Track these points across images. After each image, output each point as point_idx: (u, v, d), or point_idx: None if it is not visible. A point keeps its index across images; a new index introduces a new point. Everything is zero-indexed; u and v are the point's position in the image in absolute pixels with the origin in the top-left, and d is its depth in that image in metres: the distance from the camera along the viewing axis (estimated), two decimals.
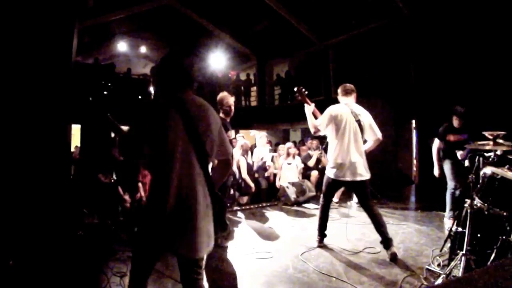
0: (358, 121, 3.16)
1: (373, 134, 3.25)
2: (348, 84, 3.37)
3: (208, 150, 1.59)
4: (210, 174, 1.63)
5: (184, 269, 1.62)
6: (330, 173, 3.22)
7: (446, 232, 3.16)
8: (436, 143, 4.28)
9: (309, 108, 3.34)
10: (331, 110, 3.20)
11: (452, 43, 5.82)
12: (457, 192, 4.12)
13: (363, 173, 3.11)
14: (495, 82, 5.15)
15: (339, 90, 3.38)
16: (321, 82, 9.60)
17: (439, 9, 6.07)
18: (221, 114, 3.57)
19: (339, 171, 3.12)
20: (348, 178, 3.10)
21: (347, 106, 3.23)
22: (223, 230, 2.54)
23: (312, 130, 3.30)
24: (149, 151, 1.60)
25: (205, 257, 1.63)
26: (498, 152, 2.66)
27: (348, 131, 3.11)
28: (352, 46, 8.69)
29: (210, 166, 1.73)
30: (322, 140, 6.08)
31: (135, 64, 13.76)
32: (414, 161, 7.65)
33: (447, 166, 4.19)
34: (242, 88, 11.99)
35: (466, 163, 3.95)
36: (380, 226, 3.04)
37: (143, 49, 14.21)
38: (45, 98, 3.43)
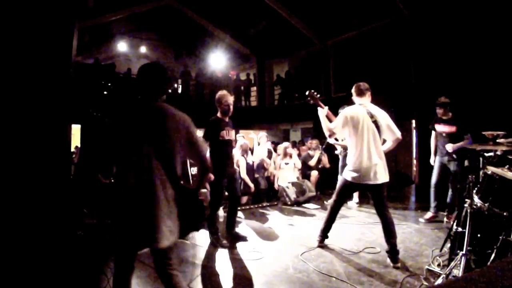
0: (375, 122, 3.06)
1: (392, 134, 3.15)
2: (362, 83, 3.24)
3: (168, 149, 1.74)
4: (177, 171, 1.78)
5: (156, 263, 1.79)
6: (348, 175, 3.12)
7: (446, 232, 3.16)
8: (432, 134, 4.55)
9: (323, 112, 3.29)
10: (347, 112, 3.11)
11: (452, 43, 5.82)
12: (450, 194, 4.28)
13: (383, 176, 3.01)
14: (495, 82, 5.15)
15: (353, 90, 3.27)
16: (321, 82, 9.60)
17: (439, 9, 6.07)
18: (218, 114, 3.59)
19: (359, 174, 3.03)
20: (369, 181, 3.00)
21: (362, 106, 3.13)
22: (194, 229, 2.67)
23: (326, 133, 3.22)
24: (115, 155, 1.78)
25: (172, 251, 1.78)
26: (498, 152, 2.65)
27: (366, 132, 3.01)
28: (352, 46, 8.70)
29: (178, 163, 1.81)
30: (322, 140, 6.09)
31: (135, 64, 13.76)
32: (414, 161, 7.65)
33: (434, 161, 4.42)
34: (242, 88, 11.98)
35: (466, 163, 3.97)
36: (390, 237, 2.95)
37: (143, 49, 14.22)
38: (45, 98, 3.43)
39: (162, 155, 1.72)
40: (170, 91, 10.71)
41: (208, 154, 2.55)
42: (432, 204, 4.35)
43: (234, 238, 3.62)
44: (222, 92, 3.56)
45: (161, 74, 1.88)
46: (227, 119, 3.60)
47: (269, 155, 6.36)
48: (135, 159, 1.69)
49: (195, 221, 2.24)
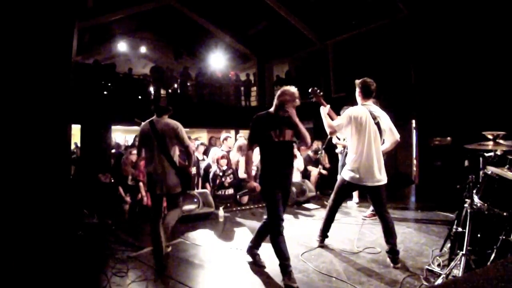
0: (377, 124, 3.06)
1: (392, 136, 3.16)
2: (370, 81, 3.14)
3: (166, 145, 3.15)
4: (175, 158, 3.21)
5: (169, 202, 3.31)
6: (346, 175, 3.12)
7: (446, 232, 3.16)
8: None
9: (325, 110, 3.27)
10: (351, 111, 3.09)
11: (452, 43, 5.82)
12: None
13: (381, 178, 3.02)
14: (495, 82, 5.15)
15: (358, 88, 3.23)
16: (321, 82, 9.60)
17: (439, 9, 6.07)
18: (271, 109, 2.87)
19: (357, 174, 3.03)
20: (367, 183, 3.01)
21: (365, 107, 3.12)
22: (187, 188, 3.39)
23: (328, 130, 3.21)
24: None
25: (178, 198, 3.29)
26: (498, 152, 2.65)
27: (368, 133, 3.01)
28: (352, 46, 8.69)
29: (174, 153, 3.23)
30: (323, 140, 6.08)
31: (135, 64, 13.76)
32: (414, 161, 7.65)
33: None
34: (242, 88, 11.97)
35: (466, 163, 3.96)
36: (390, 237, 2.94)
37: (143, 49, 14.20)
38: (45, 98, 3.43)
39: (162, 149, 3.15)
40: (170, 91, 10.72)
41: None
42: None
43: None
44: (282, 88, 2.94)
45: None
46: (283, 115, 2.77)
47: None
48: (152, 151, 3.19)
49: (185, 184, 3.26)
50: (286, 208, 2.93)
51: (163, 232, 3.06)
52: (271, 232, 2.77)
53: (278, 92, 2.85)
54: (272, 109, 2.83)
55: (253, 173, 3.69)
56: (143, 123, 3.32)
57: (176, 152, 3.27)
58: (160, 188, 3.12)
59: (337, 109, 4.00)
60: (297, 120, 2.75)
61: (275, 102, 2.83)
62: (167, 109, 3.26)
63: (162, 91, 10.55)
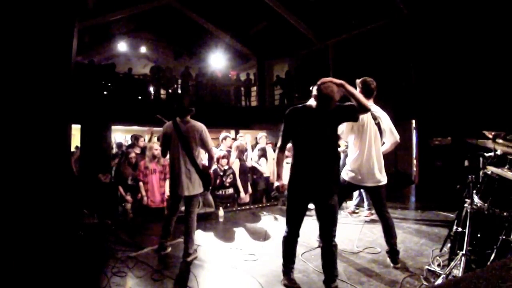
0: (378, 124, 3.05)
1: (392, 137, 3.17)
2: (370, 80, 3.08)
3: (190, 147, 3.16)
4: (198, 160, 3.23)
5: (188, 203, 3.25)
6: (346, 175, 3.12)
7: (446, 232, 3.16)
8: None
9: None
10: None
11: (452, 43, 5.83)
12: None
13: (381, 178, 3.01)
14: (495, 81, 5.15)
15: (359, 88, 3.14)
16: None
17: (439, 9, 6.07)
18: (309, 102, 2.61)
19: (357, 175, 3.03)
20: (367, 183, 3.01)
21: None
22: (207, 189, 3.38)
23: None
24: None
25: (197, 199, 3.34)
26: (498, 152, 2.65)
27: (368, 134, 3.00)
28: (352, 46, 8.69)
29: (198, 155, 3.26)
30: None
31: (135, 64, 13.76)
32: (414, 161, 7.65)
33: None
34: (242, 88, 11.97)
35: (466, 163, 3.96)
36: (390, 237, 2.94)
37: (143, 49, 14.21)
38: (45, 98, 3.43)
39: (187, 150, 3.17)
40: (170, 91, 10.73)
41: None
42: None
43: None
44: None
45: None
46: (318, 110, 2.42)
47: (264, 155, 6.16)
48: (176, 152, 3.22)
49: (206, 185, 3.31)
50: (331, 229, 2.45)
51: (185, 235, 3.17)
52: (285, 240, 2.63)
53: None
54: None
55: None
56: (167, 123, 3.34)
57: (199, 153, 3.29)
58: (182, 189, 3.14)
59: None
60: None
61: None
62: (189, 110, 3.24)
63: (162, 91, 10.56)
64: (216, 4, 10.05)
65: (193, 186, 3.18)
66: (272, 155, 6.15)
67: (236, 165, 5.36)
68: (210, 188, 3.54)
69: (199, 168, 3.21)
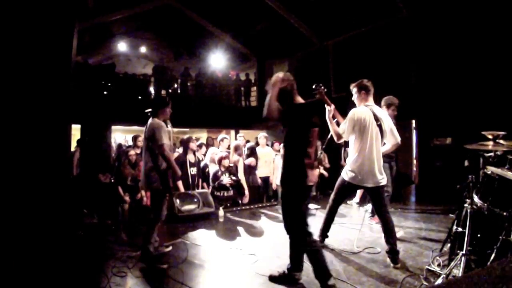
0: (379, 125, 3.05)
1: (393, 138, 3.18)
2: (365, 80, 3.17)
3: (149, 144, 3.15)
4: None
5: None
6: (347, 176, 3.12)
7: (446, 232, 3.16)
8: None
9: (329, 110, 3.21)
10: (355, 114, 3.05)
11: (452, 43, 5.83)
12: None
13: (381, 179, 3.02)
14: (495, 81, 5.15)
15: (356, 89, 3.21)
16: (321, 82, 9.59)
17: (439, 9, 6.08)
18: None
19: (357, 175, 3.03)
20: (367, 184, 3.01)
21: (368, 108, 3.09)
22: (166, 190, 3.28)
23: (335, 138, 3.19)
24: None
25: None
26: (498, 152, 2.65)
27: (369, 135, 3.00)
28: (352, 46, 8.69)
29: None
30: (323, 140, 6.07)
31: (135, 64, 13.75)
32: (414, 161, 7.65)
33: None
34: (242, 88, 11.97)
35: (466, 163, 3.96)
36: (390, 237, 2.95)
37: (143, 49, 14.21)
38: (45, 98, 3.43)
39: (148, 148, 3.18)
40: (170, 91, 10.72)
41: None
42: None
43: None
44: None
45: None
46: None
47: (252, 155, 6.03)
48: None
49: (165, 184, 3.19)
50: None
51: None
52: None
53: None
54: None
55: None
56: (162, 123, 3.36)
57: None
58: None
59: (337, 109, 3.99)
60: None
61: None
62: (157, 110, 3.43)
63: (163, 91, 10.55)
64: (217, 4, 10.05)
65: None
66: (266, 155, 6.08)
67: (240, 164, 5.39)
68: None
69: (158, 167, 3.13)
